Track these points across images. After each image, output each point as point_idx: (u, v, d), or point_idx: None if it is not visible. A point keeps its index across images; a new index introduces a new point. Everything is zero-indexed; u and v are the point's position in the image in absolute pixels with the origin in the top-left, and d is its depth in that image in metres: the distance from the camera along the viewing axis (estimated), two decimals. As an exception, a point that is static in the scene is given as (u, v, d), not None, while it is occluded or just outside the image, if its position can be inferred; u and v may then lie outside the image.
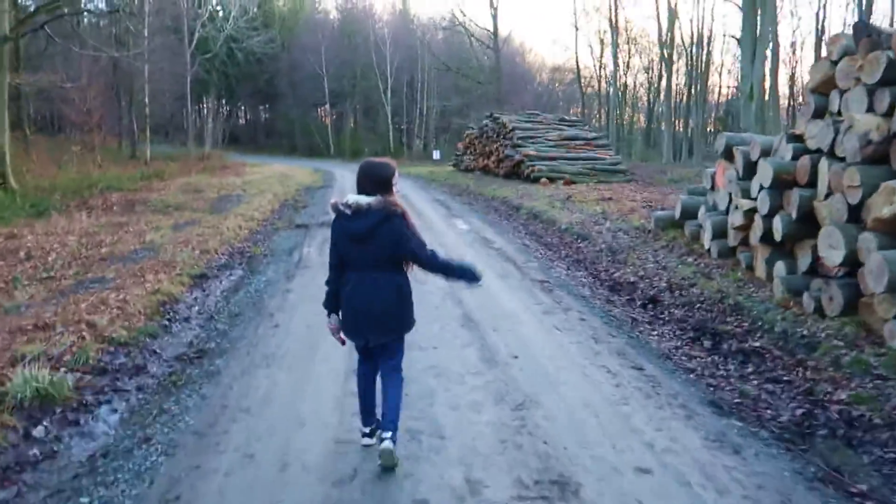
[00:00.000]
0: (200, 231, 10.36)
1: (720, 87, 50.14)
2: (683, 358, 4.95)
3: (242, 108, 63.49)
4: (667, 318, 6.10)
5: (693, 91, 40.80)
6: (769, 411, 4.02)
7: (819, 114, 6.20)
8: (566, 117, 25.90)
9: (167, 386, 4.28)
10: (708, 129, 47.41)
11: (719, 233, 7.65)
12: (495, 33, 42.47)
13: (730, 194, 7.51)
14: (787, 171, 6.20)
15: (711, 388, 4.30)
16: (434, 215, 13.22)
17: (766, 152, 6.86)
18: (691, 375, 4.54)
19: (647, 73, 53.11)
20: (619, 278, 7.66)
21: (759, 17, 16.53)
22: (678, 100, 45.38)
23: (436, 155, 44.16)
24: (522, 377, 4.25)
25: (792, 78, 40.36)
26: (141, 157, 30.36)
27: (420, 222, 11.13)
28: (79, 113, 26.16)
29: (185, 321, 5.88)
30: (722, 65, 47.63)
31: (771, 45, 17.23)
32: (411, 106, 52.60)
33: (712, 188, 8.27)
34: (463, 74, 48.84)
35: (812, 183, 5.94)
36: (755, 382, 4.54)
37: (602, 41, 49.01)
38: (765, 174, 6.41)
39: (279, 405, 3.90)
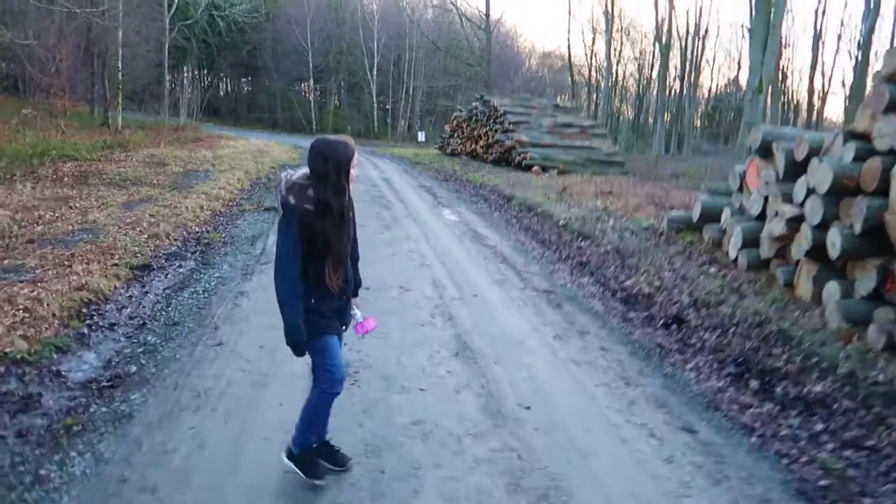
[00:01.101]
0: (155, 211, 9.12)
1: (711, 81, 49.59)
2: (734, 408, 3.92)
3: (224, 79, 61.45)
4: (698, 346, 5.07)
5: (685, 83, 40.02)
6: (867, 500, 3.01)
7: (892, 107, 5.17)
8: (560, 104, 24.79)
9: (57, 434, 3.14)
10: (695, 125, 46.78)
11: (750, 241, 6.63)
12: (487, 14, 41.03)
13: (765, 197, 6.49)
14: (849, 176, 5.17)
15: (785, 462, 3.26)
16: (420, 203, 12.08)
17: (814, 151, 5.83)
18: (753, 438, 3.50)
19: (638, 64, 52.31)
20: (633, 289, 6.62)
21: (772, 7, 15.51)
22: (669, 92, 44.58)
23: (420, 137, 42.95)
24: (541, 444, 3.17)
25: (783, 72, 39.62)
26: (112, 125, 28.80)
27: (405, 210, 10.02)
28: (46, 74, 24.53)
29: (110, 329, 4.72)
30: (714, 59, 46.83)
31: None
32: (397, 85, 51.19)
33: (740, 189, 7.25)
34: (452, 55, 47.44)
35: (882, 190, 4.91)
36: (831, 447, 3.53)
37: (595, 29, 48.02)
38: (820, 177, 5.38)
39: (202, 484, 2.78)
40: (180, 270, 6.44)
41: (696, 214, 7.96)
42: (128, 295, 5.56)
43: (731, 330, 5.37)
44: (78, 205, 9.58)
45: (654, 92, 52.65)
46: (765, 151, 6.70)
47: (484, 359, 4.14)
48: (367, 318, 3.00)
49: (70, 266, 6.00)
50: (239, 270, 6.35)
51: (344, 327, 2.95)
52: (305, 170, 2.71)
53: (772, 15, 15.53)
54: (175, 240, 7.74)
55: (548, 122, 19.84)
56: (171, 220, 8.61)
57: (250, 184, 13.69)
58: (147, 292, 5.70)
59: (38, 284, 5.38)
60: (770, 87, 18.81)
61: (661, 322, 5.68)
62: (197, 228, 8.56)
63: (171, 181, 12.56)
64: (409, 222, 9.40)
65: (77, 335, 4.52)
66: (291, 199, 2.64)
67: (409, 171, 20.00)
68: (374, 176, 17.35)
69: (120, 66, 30.66)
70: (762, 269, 6.51)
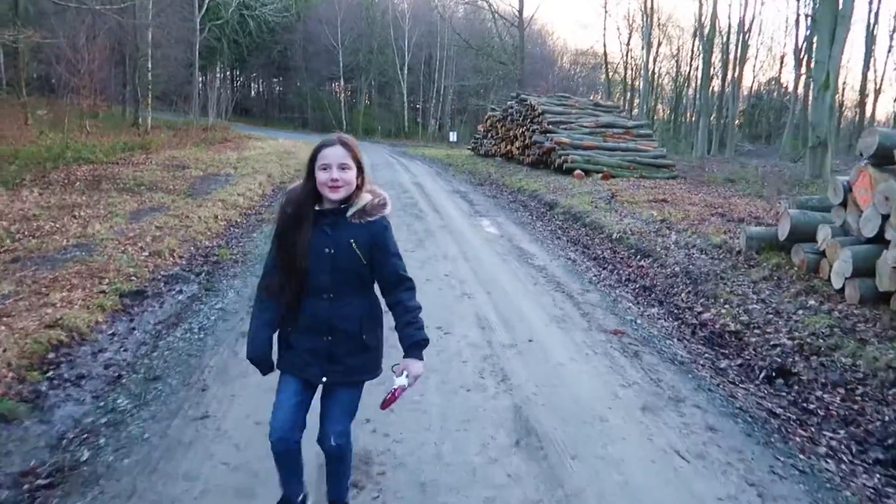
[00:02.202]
0: (163, 221, 8.23)
1: (753, 79, 47.63)
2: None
3: (255, 79, 61.29)
4: (821, 413, 3.93)
5: (726, 81, 38.29)
6: None
7: None
8: (601, 102, 23.53)
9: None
10: (735, 123, 44.93)
11: (863, 269, 5.43)
12: (520, 10, 39.83)
13: (883, 216, 5.29)
14: None
15: None
16: (455, 212, 11.01)
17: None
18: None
19: (676, 61, 50.58)
20: (714, 324, 5.49)
21: (842, -7, 14.10)
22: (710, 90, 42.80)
23: (452, 137, 41.98)
24: None
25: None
26: (142, 126, 28.46)
27: (440, 221, 8.97)
28: (74, 75, 24.15)
29: (76, 384, 3.75)
30: (756, 56, 44.83)
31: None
32: (428, 84, 50.34)
33: (844, 204, 6.04)
34: (484, 53, 46.29)
35: None
36: None
37: (631, 26, 46.50)
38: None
39: None
40: (178, 298, 5.48)
41: (783, 232, 6.75)
42: (110, 333, 4.61)
43: (859, 390, 4.21)
44: (83, 214, 8.75)
45: (693, 90, 51.05)
46: (881, 159, 5.50)
47: (556, 451, 3.01)
48: (398, 390, 2.26)
49: (48, 294, 5.08)
50: (245, 300, 5.35)
51: (325, 378, 2.28)
52: None
53: (841, 3, 14.11)
54: (180, 257, 6.81)
55: (589, 122, 18.62)
56: (179, 233, 7.69)
57: (273, 189, 12.79)
58: (134, 328, 4.74)
59: (2, 320, 4.46)
60: (837, 84, 17.29)
61: (761, 374, 4.55)
62: (207, 243, 7.62)
63: (187, 186, 11.71)
64: (445, 236, 8.35)
65: (31, 393, 3.57)
66: (283, 197, 2.37)
67: (441, 173, 18.98)
68: (404, 180, 16.35)
69: (150, 66, 30.44)
70: (880, 304, 5.31)
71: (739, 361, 4.80)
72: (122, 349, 4.32)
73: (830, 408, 4.02)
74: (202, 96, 39.41)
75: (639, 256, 8.02)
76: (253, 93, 62.06)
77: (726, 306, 5.92)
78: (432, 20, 48.08)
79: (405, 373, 2.25)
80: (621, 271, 7.43)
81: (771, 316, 5.62)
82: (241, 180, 12.79)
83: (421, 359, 2.29)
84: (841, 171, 16.60)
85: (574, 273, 7.04)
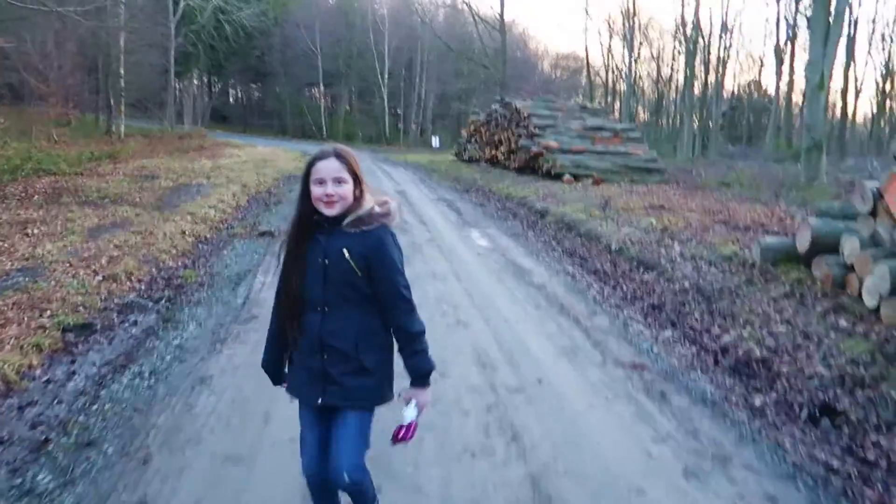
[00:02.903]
0: (124, 238, 7.51)
1: (734, 82, 47.63)
2: None
3: (233, 85, 60.26)
4: (884, 466, 3.34)
5: (708, 83, 38.08)
6: None
7: None
8: (588, 105, 23.05)
9: None
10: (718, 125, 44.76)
11: (902, 286, 4.87)
12: (502, 13, 39.36)
13: (925, 227, 4.73)
14: None
15: None
16: (443, 222, 10.37)
17: None
18: None
19: (656, 64, 50.49)
20: (737, 349, 4.91)
21: (835, -8, 13.71)
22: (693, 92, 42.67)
23: (434, 142, 41.36)
24: None
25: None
26: (115, 134, 27.60)
27: (427, 233, 8.33)
28: (43, 82, 23.26)
29: (-9, 453, 3.06)
30: (736, 57, 44.69)
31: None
32: (409, 89, 49.79)
33: (873, 213, 5.49)
34: (466, 57, 45.76)
35: None
36: None
37: (612, 29, 46.32)
38: None
39: None
40: (132, 332, 4.78)
41: (802, 243, 6.19)
42: (44, 380, 3.91)
43: (920, 431, 3.63)
44: (36, 231, 8.01)
45: (674, 92, 50.93)
46: (919, 163, 4.95)
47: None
48: (412, 425, 2.16)
49: (-25, 332, 4.37)
50: (208, 334, 4.67)
51: (319, 400, 2.16)
52: None
53: (835, 2, 13.72)
54: (138, 281, 6.10)
55: (576, 125, 18.10)
56: (141, 253, 6.98)
57: (248, 200, 12.07)
58: (74, 373, 4.04)
59: (-89, 369, 3.75)
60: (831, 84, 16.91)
61: (803, 412, 3.95)
62: (171, 263, 6.91)
63: (155, 198, 10.96)
64: (433, 251, 7.71)
65: (-70, 471, 2.87)
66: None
67: (425, 180, 18.34)
68: (387, 187, 15.69)
69: (122, 72, 29.59)
70: (923, 325, 4.76)
71: (775, 397, 4.20)
72: (55, 401, 3.63)
73: (892, 457, 3.44)
74: (178, 103, 38.48)
75: (642, 269, 7.44)
76: (231, 99, 61.05)
77: (747, 328, 5.33)
78: (412, 24, 47.50)
79: (413, 402, 2.15)
80: (625, 287, 6.84)
81: (800, 339, 5.04)
82: (213, 191, 12.06)
83: (428, 385, 2.18)
84: (830, 174, 16.26)
85: (576, 291, 6.42)
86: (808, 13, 19.59)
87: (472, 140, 24.23)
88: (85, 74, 30.68)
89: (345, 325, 2.10)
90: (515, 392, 3.67)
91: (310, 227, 2.13)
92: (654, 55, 50.13)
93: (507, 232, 9.87)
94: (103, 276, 5.95)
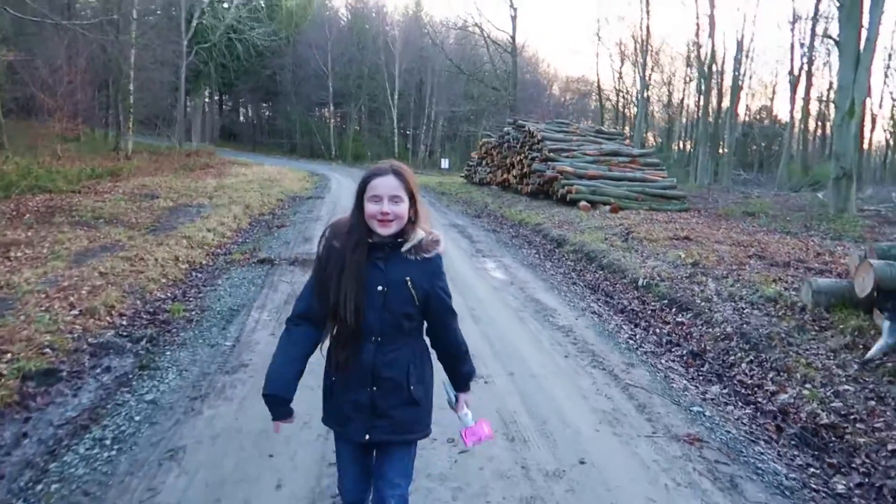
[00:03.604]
0: (111, 265, 6.90)
1: (746, 109, 47.14)
2: None
3: (244, 104, 60.30)
4: None
5: (721, 108, 37.55)
6: None
7: None
8: (603, 129, 22.49)
9: None
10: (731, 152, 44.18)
11: None
12: (513, 35, 39.09)
13: None
14: None
15: None
16: (455, 251, 9.74)
17: None
18: None
19: (668, 88, 50.16)
20: (798, 412, 4.25)
21: (866, 13, 13.15)
22: (693, 119, 42.23)
23: (444, 164, 40.93)
24: None
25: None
26: (123, 150, 27.34)
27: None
28: (52, 97, 23.01)
29: None
30: (749, 84, 44.22)
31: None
32: (419, 111, 49.52)
33: (950, 255, 4.83)
34: (476, 79, 45.49)
35: None
36: None
37: (623, 53, 46.03)
38: None
39: None
40: (102, 381, 4.15)
41: (862, 287, 5.52)
42: (-12, 444, 3.27)
43: None
44: (19, 255, 7.43)
45: (684, 118, 50.46)
46: None
47: None
48: (479, 422, 2.20)
49: (-83, 381, 3.75)
50: (188, 387, 4.02)
51: (367, 436, 2.03)
52: None
53: (867, 24, 13.14)
54: (119, 315, 5.48)
55: (592, 150, 17.52)
56: (127, 282, 6.37)
57: (249, 222, 11.49)
58: (26, 435, 3.40)
59: None
60: (863, 112, 16.27)
61: (896, 502, 3.28)
62: (159, 294, 6.30)
63: (152, 220, 10.40)
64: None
65: None
66: (327, 233, 2.07)
67: (434, 204, 17.76)
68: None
69: (132, 88, 29.48)
70: None
71: (857, 479, 3.53)
72: (-6, 476, 2.99)
73: None
74: (187, 120, 38.29)
75: (674, 309, 6.78)
76: (241, 117, 61.04)
77: (807, 386, 4.66)
78: (423, 45, 47.36)
79: (466, 409, 2.20)
80: (658, 329, 6.18)
81: (873, 403, 4.36)
82: (214, 212, 11.49)
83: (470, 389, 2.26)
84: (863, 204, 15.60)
85: (605, 335, 5.76)
86: (832, 37, 19.04)
87: (483, 163, 23.71)
88: (95, 90, 30.55)
89: (398, 355, 2.03)
90: (554, 478, 2.99)
91: (362, 247, 1.99)
92: (666, 80, 49.85)
93: (524, 262, 9.23)
94: (80, 311, 5.33)
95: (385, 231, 1.97)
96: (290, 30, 48.59)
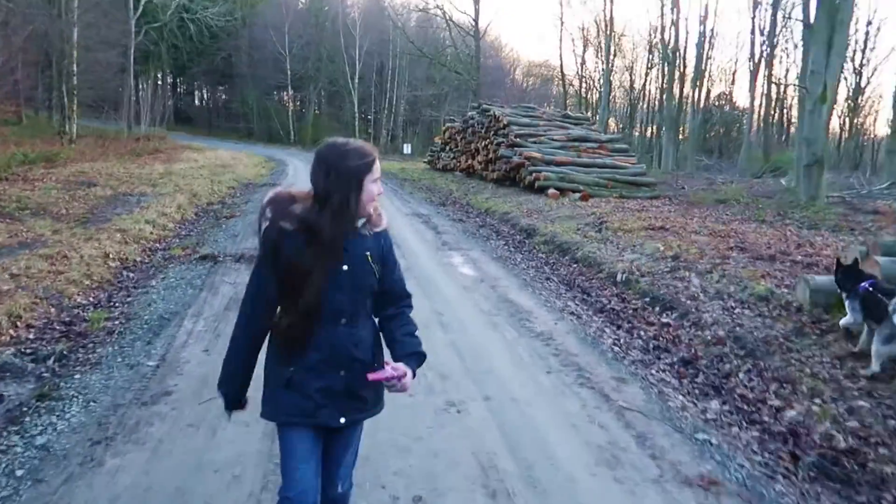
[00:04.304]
0: (26, 264, 6.04)
1: (707, 94, 47.37)
2: None
3: (199, 87, 58.28)
4: None
5: (683, 94, 37.48)
6: None
7: None
8: (570, 113, 21.98)
9: None
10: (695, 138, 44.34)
11: None
12: (476, 18, 38.32)
13: None
14: None
15: None
16: (419, 244, 9.06)
17: None
18: None
19: (629, 73, 50.05)
20: (812, 435, 3.72)
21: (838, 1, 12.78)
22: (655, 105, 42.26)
23: (406, 149, 40.09)
24: None
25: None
26: (67, 135, 25.93)
27: (401, 259, 7.08)
28: (-15, 79, 21.58)
29: None
30: (707, 69, 44.33)
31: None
32: (380, 95, 48.47)
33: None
34: (438, 63, 44.59)
35: None
36: None
37: (586, 39, 45.67)
38: None
39: None
40: (-14, 416, 3.37)
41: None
42: None
43: None
44: (-80, 253, 6.51)
45: (646, 103, 50.46)
46: None
47: None
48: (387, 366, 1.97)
49: None
50: (93, 424, 3.27)
51: (343, 419, 1.99)
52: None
53: (840, 10, 12.79)
54: (27, 328, 4.67)
55: (559, 135, 16.97)
56: (42, 285, 5.54)
57: (195, 213, 10.61)
58: None
59: None
60: (834, 97, 16.01)
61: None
62: (80, 299, 5.49)
63: (86, 210, 9.47)
64: (410, 284, 6.38)
65: None
66: (267, 212, 1.93)
67: (396, 191, 17.01)
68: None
69: (75, 69, 28.04)
70: None
71: (894, 523, 3.00)
72: None
73: None
74: (137, 103, 36.61)
75: (658, 308, 6.25)
76: (196, 101, 59.02)
77: (816, 401, 4.14)
78: (384, 28, 46.20)
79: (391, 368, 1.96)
80: (643, 332, 5.62)
81: (893, 423, 3.86)
82: (156, 201, 10.57)
83: (414, 375, 2.02)
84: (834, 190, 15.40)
85: (588, 341, 5.16)
86: (802, 21, 18.81)
87: (447, 148, 23.01)
88: (38, 71, 28.89)
89: (364, 334, 2.02)
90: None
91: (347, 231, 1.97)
92: (627, 66, 49.69)
93: (493, 255, 8.61)
94: (-28, 326, 4.51)
95: (371, 209, 1.97)
96: (246, 10, 46.93)
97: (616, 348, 5.13)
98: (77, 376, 3.89)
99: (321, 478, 2.03)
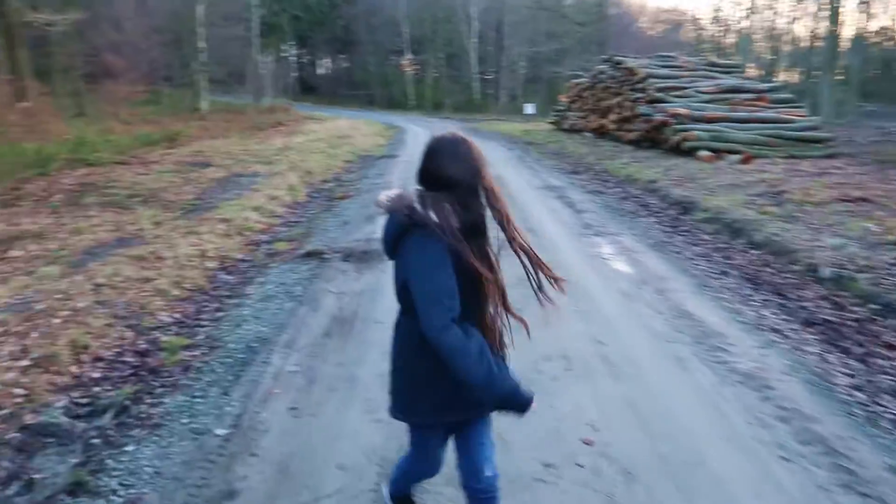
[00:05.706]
0: (114, 270, 5.32)
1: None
2: None
3: (322, 56, 59.03)
4: None
5: (839, 32, 32.63)
6: None
7: None
8: (717, 60, 19.38)
9: None
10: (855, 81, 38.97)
11: None
12: (602, -39, 35.31)
13: None
14: None
15: None
16: (556, 228, 7.67)
17: None
18: None
19: (772, 14, 44.67)
20: None
21: None
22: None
23: (528, 109, 38.04)
24: None
25: None
26: (199, 111, 26.79)
27: (539, 251, 5.81)
28: (119, 59, 22.32)
29: None
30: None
31: None
32: (498, 53, 46.42)
33: None
34: (559, 15, 41.89)
35: None
36: None
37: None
38: None
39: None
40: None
41: None
42: None
43: None
44: (16, 254, 6.03)
45: (789, 46, 44.94)
46: None
47: None
48: None
49: None
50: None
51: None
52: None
53: None
54: (93, 362, 3.85)
55: (708, 86, 14.74)
56: (125, 298, 4.77)
57: (307, 193, 9.80)
58: None
59: None
60: None
61: None
62: (163, 315, 4.65)
63: (194, 196, 8.89)
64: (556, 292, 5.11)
65: None
66: (433, 215, 1.78)
67: (523, 158, 15.56)
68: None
69: (202, 46, 28.91)
70: None
71: None
72: None
73: None
74: (263, 76, 37.23)
75: (893, 318, 4.55)
76: (321, 70, 59.84)
77: None
78: (501, -19, 44.04)
79: None
80: (884, 363, 3.99)
81: None
82: (268, 182, 9.85)
83: None
84: None
85: (817, 384, 3.64)
86: None
87: (574, 107, 21.13)
88: (170, 50, 29.88)
89: None
90: None
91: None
92: (769, 4, 44.41)
93: (647, 241, 7.06)
94: (32, 359, 3.73)
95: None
96: (359, -25, 46.46)
97: (858, 394, 3.57)
98: (129, 447, 2.96)
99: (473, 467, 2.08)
